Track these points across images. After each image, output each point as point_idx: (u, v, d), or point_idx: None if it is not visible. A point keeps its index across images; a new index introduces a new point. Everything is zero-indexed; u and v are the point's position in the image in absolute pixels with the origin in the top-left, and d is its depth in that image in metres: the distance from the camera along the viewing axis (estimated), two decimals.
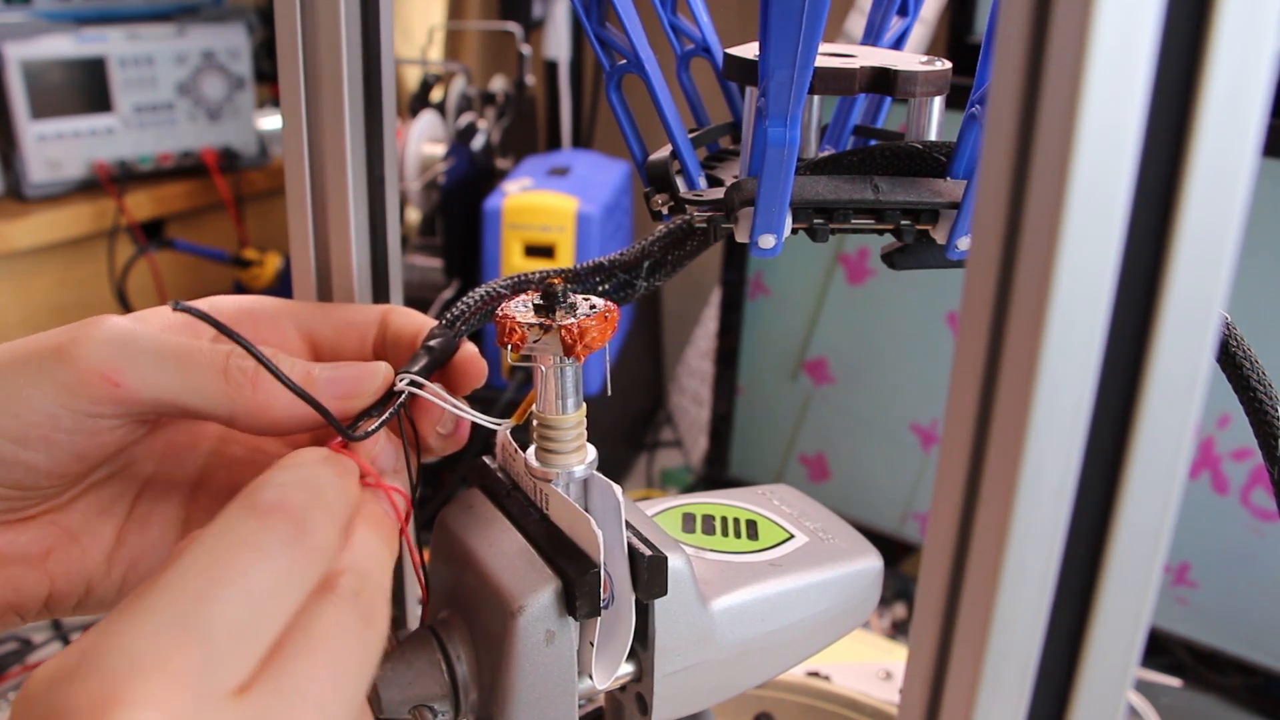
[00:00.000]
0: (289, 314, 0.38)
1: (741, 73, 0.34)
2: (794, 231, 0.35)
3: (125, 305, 1.23)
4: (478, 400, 0.36)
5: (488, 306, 0.37)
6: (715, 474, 1.09)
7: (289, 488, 0.28)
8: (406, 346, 0.37)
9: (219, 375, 0.33)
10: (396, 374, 0.34)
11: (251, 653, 0.25)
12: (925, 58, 0.35)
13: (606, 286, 0.39)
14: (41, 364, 0.33)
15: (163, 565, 0.26)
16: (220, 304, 0.37)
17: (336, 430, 0.32)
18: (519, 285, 0.38)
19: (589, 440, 0.36)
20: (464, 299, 0.38)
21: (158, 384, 0.33)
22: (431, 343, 0.36)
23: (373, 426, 0.32)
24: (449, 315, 0.37)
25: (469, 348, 0.37)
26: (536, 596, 0.33)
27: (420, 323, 0.37)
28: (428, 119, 1.12)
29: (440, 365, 0.36)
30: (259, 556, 0.26)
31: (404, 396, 0.34)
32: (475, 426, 0.36)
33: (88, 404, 0.32)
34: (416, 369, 0.34)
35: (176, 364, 0.33)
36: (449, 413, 0.36)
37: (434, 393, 0.34)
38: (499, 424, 0.36)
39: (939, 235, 0.35)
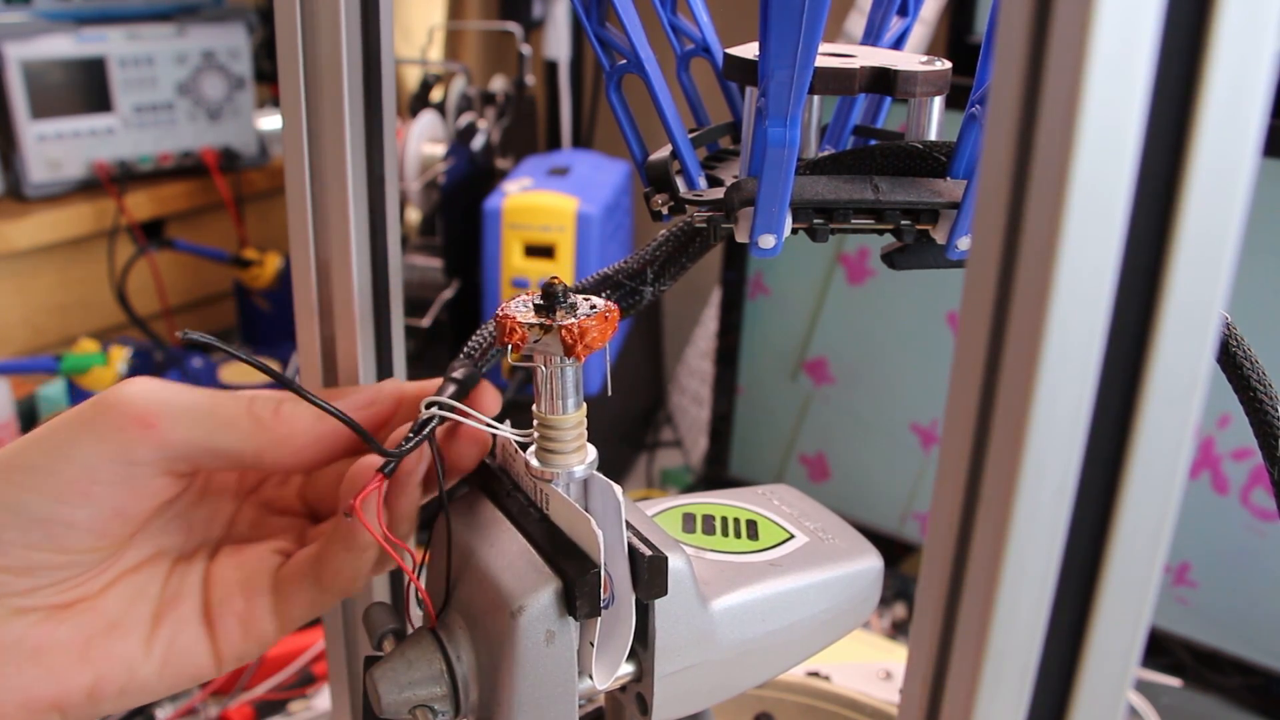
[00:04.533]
0: None
1: (741, 73, 0.34)
2: (794, 231, 0.35)
3: (125, 305, 1.23)
4: None
5: None
6: (715, 474, 1.09)
7: None
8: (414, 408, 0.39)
9: (245, 412, 0.35)
10: (425, 403, 0.36)
11: None
12: (925, 58, 0.35)
13: (614, 297, 0.40)
14: (79, 419, 0.34)
15: None
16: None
17: (372, 448, 0.34)
18: None
19: (589, 440, 0.36)
20: (479, 332, 0.40)
21: (190, 425, 0.34)
22: (456, 374, 0.37)
23: (407, 447, 0.34)
24: (469, 348, 0.39)
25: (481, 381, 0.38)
26: (536, 597, 0.33)
27: (421, 389, 0.39)
28: (428, 119, 1.12)
29: (466, 393, 0.37)
30: None
31: (435, 421, 0.35)
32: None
33: (124, 450, 0.33)
34: (445, 397, 0.36)
35: (207, 406, 0.35)
36: (483, 437, 0.38)
37: (464, 414, 0.36)
38: (528, 436, 0.36)
39: (939, 235, 0.35)
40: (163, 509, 0.37)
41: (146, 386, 0.34)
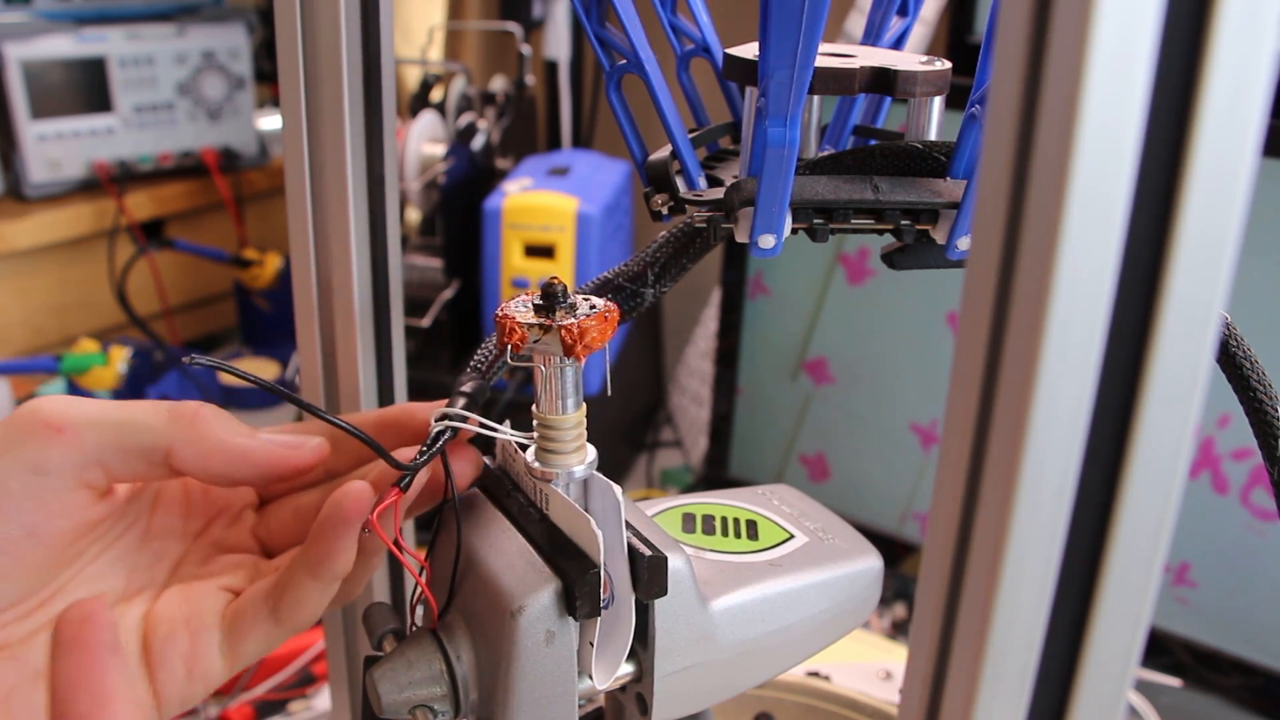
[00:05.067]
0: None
1: (741, 73, 0.34)
2: (794, 231, 0.35)
3: (125, 305, 1.23)
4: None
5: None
6: (715, 474, 1.09)
7: None
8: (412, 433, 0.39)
9: (163, 410, 0.34)
10: (435, 415, 0.36)
11: None
12: (925, 58, 0.35)
13: (615, 300, 0.40)
14: None
15: None
16: None
17: (388, 462, 0.34)
18: None
19: (589, 440, 0.36)
20: (485, 345, 0.40)
21: (101, 427, 0.33)
22: (465, 388, 0.37)
23: (421, 461, 0.34)
24: (476, 361, 0.39)
25: None
26: (536, 597, 0.33)
27: (381, 416, 0.39)
28: (428, 119, 1.12)
29: (475, 406, 0.37)
30: None
31: (447, 435, 0.35)
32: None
33: (33, 458, 0.32)
34: (456, 409, 0.36)
35: (120, 411, 0.34)
36: (477, 459, 0.38)
37: (475, 422, 0.36)
38: (532, 439, 0.36)
39: (939, 235, 0.35)
40: (90, 540, 0.35)
41: (61, 399, 0.33)
